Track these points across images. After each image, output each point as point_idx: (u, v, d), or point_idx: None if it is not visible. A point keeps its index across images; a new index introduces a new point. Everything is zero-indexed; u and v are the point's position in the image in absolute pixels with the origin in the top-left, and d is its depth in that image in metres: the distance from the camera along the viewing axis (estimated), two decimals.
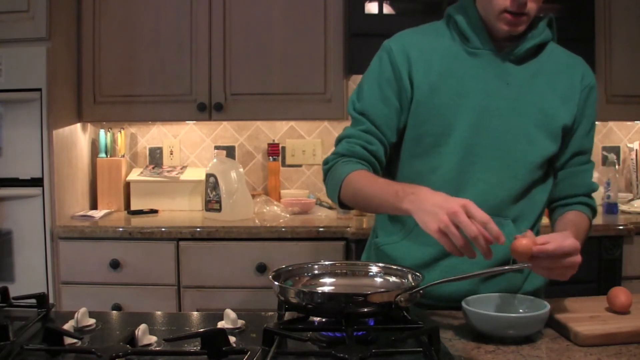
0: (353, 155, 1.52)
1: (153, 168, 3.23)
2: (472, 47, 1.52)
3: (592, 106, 1.58)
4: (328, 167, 1.55)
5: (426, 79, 1.51)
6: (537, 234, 1.59)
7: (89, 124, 3.11)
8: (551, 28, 1.56)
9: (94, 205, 3.12)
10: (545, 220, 1.63)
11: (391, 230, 1.59)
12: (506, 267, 1.34)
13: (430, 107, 1.50)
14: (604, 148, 3.32)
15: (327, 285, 1.37)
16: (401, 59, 1.53)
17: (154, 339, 1.19)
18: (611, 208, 2.86)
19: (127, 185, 3.15)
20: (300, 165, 3.33)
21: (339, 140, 1.58)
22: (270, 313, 1.40)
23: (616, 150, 3.30)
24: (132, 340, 1.15)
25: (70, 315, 1.31)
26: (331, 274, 1.39)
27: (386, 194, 1.35)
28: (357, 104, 1.56)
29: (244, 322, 1.30)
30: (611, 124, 3.32)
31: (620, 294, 1.35)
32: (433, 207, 1.20)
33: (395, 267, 1.39)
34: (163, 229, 2.69)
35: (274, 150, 3.24)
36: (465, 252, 1.18)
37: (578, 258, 1.27)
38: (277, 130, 3.31)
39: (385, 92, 1.53)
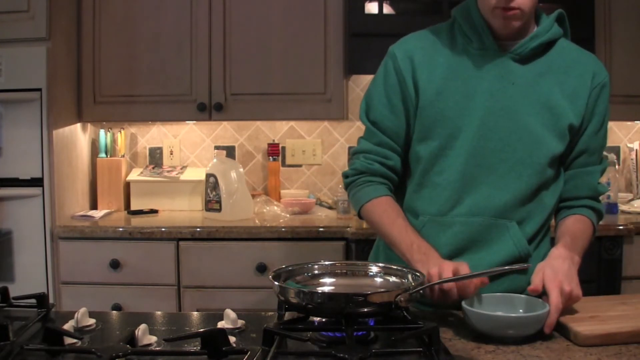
0: (373, 174, 1.57)
1: (153, 168, 3.23)
2: (476, 48, 1.51)
3: (603, 104, 1.53)
4: (348, 181, 1.62)
5: (431, 83, 1.51)
6: (546, 236, 1.59)
7: (89, 124, 3.11)
8: (562, 24, 1.54)
9: (94, 205, 3.12)
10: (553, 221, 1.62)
11: None
12: (506, 267, 1.34)
13: (436, 111, 1.50)
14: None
15: (327, 285, 1.37)
16: (405, 64, 1.53)
17: (154, 339, 1.19)
18: (611, 208, 2.86)
19: (127, 185, 3.15)
20: (300, 165, 3.33)
21: (354, 153, 1.62)
22: (270, 313, 1.40)
23: (616, 150, 3.30)
24: (132, 340, 1.15)
25: (70, 315, 1.31)
26: (331, 274, 1.39)
27: (402, 243, 1.47)
28: (369, 113, 1.59)
29: (244, 322, 1.30)
30: (611, 124, 3.29)
31: None
32: (427, 270, 1.35)
33: (395, 267, 1.39)
34: (163, 229, 2.69)
35: (274, 150, 3.24)
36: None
37: (574, 295, 1.32)
38: (277, 130, 3.31)
39: (392, 100, 1.55)
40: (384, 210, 1.53)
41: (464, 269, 1.33)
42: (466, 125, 1.48)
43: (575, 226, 1.52)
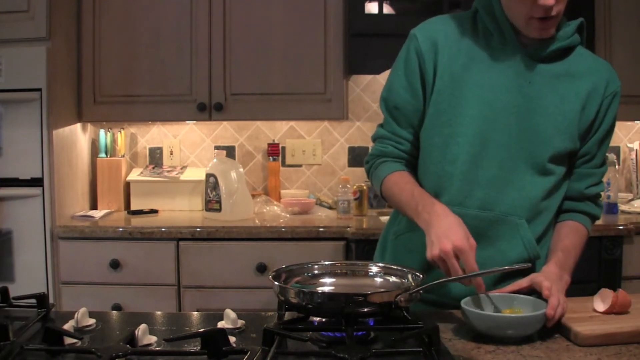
0: (387, 155, 1.62)
1: (153, 168, 3.23)
2: (497, 43, 1.50)
3: (612, 113, 1.54)
4: (368, 167, 1.67)
5: (449, 68, 1.50)
6: (549, 235, 1.58)
7: (89, 124, 3.12)
8: (581, 33, 1.54)
9: (94, 205, 3.12)
10: None
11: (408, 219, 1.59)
12: (506, 267, 1.34)
13: (450, 98, 1.50)
14: None
15: (327, 285, 1.37)
16: (427, 46, 1.53)
17: (154, 339, 1.19)
18: (611, 208, 2.86)
19: (127, 185, 3.15)
20: (300, 165, 3.33)
21: (373, 140, 1.68)
22: (270, 313, 1.40)
23: (616, 150, 3.30)
24: (132, 340, 1.15)
25: (70, 315, 1.31)
26: (331, 274, 1.39)
27: (408, 207, 1.49)
28: (388, 100, 1.60)
29: (244, 322, 1.30)
30: None
31: (618, 294, 1.34)
32: (436, 237, 1.34)
33: (395, 267, 1.39)
34: (163, 229, 2.69)
35: (274, 150, 3.24)
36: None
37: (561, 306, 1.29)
38: (277, 130, 3.31)
39: (411, 80, 1.55)
40: (395, 183, 1.56)
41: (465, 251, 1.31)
42: (477, 115, 1.48)
43: (568, 239, 1.52)
